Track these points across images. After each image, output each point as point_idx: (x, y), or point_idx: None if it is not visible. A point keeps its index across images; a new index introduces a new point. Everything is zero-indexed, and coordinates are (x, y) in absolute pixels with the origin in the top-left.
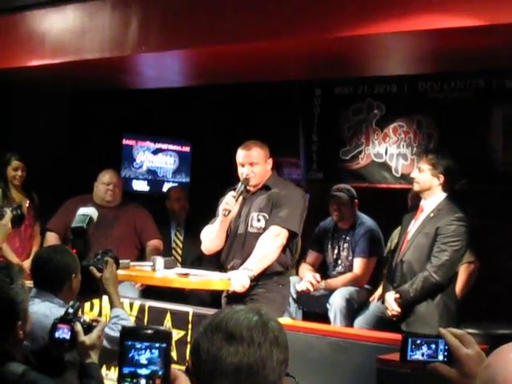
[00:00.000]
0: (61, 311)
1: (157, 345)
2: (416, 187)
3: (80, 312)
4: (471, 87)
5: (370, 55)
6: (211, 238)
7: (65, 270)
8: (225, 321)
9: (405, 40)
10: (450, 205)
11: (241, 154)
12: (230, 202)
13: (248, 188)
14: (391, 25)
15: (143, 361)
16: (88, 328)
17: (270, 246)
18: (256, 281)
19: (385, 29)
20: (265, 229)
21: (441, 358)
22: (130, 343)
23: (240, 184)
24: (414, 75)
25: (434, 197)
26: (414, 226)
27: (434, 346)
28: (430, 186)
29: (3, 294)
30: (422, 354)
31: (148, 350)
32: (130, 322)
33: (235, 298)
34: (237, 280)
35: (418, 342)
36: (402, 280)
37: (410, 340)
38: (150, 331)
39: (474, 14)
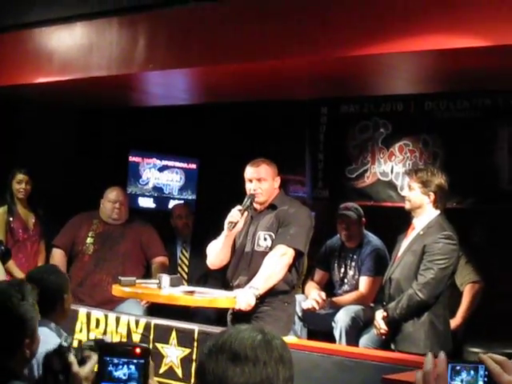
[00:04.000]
0: (56, 340)
1: (135, 361)
2: (407, 205)
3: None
4: (477, 106)
5: (377, 74)
6: (216, 252)
7: (57, 290)
8: (229, 341)
9: (411, 60)
10: (440, 223)
11: (249, 170)
12: (235, 215)
13: (255, 206)
14: (398, 45)
15: (121, 376)
16: (82, 361)
17: (276, 265)
18: (261, 299)
19: (391, 48)
20: (271, 248)
21: (481, 383)
22: (108, 359)
23: (246, 199)
24: (421, 94)
25: (425, 215)
26: (404, 244)
27: (473, 373)
28: (420, 204)
29: (13, 309)
30: (462, 381)
31: (126, 366)
32: None
33: (240, 315)
34: (242, 298)
35: (458, 368)
36: (391, 298)
37: (450, 366)
38: (128, 347)
39: (480, 35)
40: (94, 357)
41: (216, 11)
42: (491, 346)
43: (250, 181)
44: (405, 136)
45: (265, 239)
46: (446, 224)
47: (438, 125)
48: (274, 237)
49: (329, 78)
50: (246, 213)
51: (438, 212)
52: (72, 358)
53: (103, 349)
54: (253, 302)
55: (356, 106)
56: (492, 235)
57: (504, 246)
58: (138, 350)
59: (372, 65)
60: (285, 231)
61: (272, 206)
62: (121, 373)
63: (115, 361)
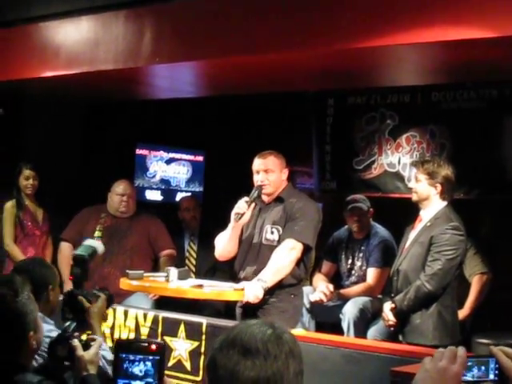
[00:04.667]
0: (46, 327)
1: (150, 357)
2: (414, 197)
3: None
4: (484, 97)
5: (383, 66)
6: (223, 243)
7: (41, 281)
8: (240, 335)
9: (418, 51)
10: (447, 214)
11: (256, 162)
12: (241, 207)
13: (263, 198)
14: (404, 36)
15: (137, 373)
16: (85, 345)
17: (284, 259)
18: (268, 292)
19: (398, 40)
20: (279, 241)
21: (492, 376)
22: (124, 355)
23: (254, 190)
24: (427, 85)
25: (432, 206)
26: (411, 236)
27: (483, 368)
28: (427, 196)
29: (10, 307)
30: (473, 376)
31: (142, 363)
32: (109, 353)
33: (248, 308)
34: (251, 291)
35: (469, 363)
36: (398, 290)
37: None
38: (143, 343)
39: (487, 26)
40: (97, 342)
41: (222, 4)
42: (499, 337)
43: (258, 172)
44: (412, 127)
45: (272, 232)
46: (453, 215)
47: (444, 116)
48: (281, 231)
49: (335, 70)
50: (253, 204)
51: (445, 203)
52: (76, 342)
53: (119, 346)
54: (261, 295)
55: (363, 97)
56: (499, 226)
57: (511, 236)
58: (153, 347)
59: (378, 57)
60: (293, 225)
61: (279, 199)
62: (137, 369)
63: (131, 357)
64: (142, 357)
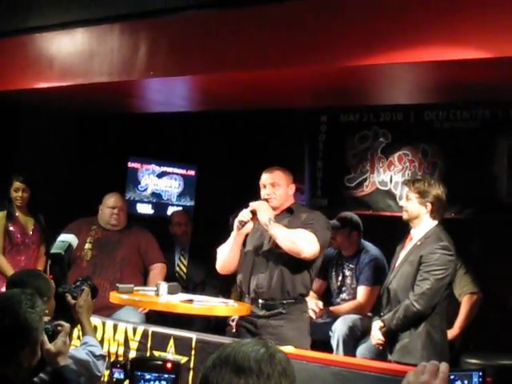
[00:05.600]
0: None
1: (166, 376)
2: (405, 216)
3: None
4: (477, 117)
5: (377, 85)
6: (224, 255)
7: (36, 292)
8: (233, 354)
9: (411, 70)
10: (437, 233)
11: (264, 176)
12: (245, 215)
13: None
14: (398, 55)
15: None
16: (53, 334)
17: (304, 237)
18: (282, 308)
19: (391, 59)
20: None
21: None
22: (139, 373)
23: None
24: (421, 104)
25: (422, 225)
26: (401, 255)
27: (466, 382)
28: (417, 215)
29: (20, 314)
30: None
31: (157, 381)
32: (99, 348)
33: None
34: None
35: (452, 377)
36: (388, 308)
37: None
38: (159, 362)
39: (480, 47)
40: (64, 329)
41: (217, 19)
42: (489, 357)
43: (264, 186)
44: (404, 146)
45: None
46: (443, 234)
47: (437, 135)
48: None
49: (329, 88)
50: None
51: (435, 222)
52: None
53: (135, 363)
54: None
55: (356, 115)
56: (490, 246)
57: (502, 257)
58: (169, 365)
59: (372, 75)
60: (308, 227)
61: (289, 210)
62: None
63: (147, 376)
64: (157, 375)
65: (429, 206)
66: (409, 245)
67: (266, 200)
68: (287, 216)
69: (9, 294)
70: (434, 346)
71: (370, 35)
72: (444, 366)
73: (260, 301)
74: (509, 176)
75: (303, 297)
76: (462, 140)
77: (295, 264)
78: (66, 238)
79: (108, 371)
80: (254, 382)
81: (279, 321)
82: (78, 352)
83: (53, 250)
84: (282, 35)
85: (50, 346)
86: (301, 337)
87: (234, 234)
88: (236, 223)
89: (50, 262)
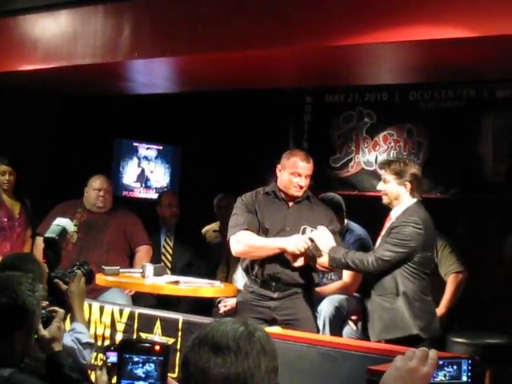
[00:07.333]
0: None
1: (154, 358)
2: (385, 200)
3: None
4: (462, 97)
5: (362, 64)
6: (257, 254)
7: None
8: (211, 333)
9: (396, 50)
10: (413, 210)
11: (302, 165)
12: (305, 244)
13: (288, 199)
14: (383, 35)
15: (141, 374)
16: (47, 320)
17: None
18: (297, 288)
19: (376, 39)
20: None
21: (465, 378)
22: (127, 356)
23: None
24: (405, 84)
25: (401, 204)
26: (381, 234)
27: (455, 367)
28: (397, 196)
29: (19, 295)
30: (445, 375)
31: (145, 363)
32: (87, 336)
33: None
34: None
35: (441, 363)
36: (368, 286)
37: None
38: (147, 344)
39: (465, 26)
40: (58, 315)
41: (200, 0)
42: (475, 336)
43: (300, 175)
44: (389, 126)
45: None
46: (419, 210)
47: (422, 115)
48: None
49: (313, 68)
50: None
51: (414, 200)
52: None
53: (123, 346)
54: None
55: (341, 95)
56: (476, 225)
57: (487, 235)
58: (157, 347)
59: (356, 55)
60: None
61: (307, 198)
62: (140, 370)
63: (135, 358)
64: (145, 357)
65: (408, 185)
66: (387, 225)
67: (300, 187)
68: (307, 204)
69: (10, 274)
70: (422, 312)
71: (355, 15)
72: (433, 353)
73: (273, 283)
74: (494, 155)
75: (315, 286)
76: (447, 120)
77: None
78: (61, 223)
79: (101, 355)
80: (231, 360)
81: (295, 300)
82: (63, 338)
83: (47, 234)
84: (265, 15)
85: (44, 333)
86: (314, 326)
87: (278, 245)
88: (292, 249)
89: (44, 246)
